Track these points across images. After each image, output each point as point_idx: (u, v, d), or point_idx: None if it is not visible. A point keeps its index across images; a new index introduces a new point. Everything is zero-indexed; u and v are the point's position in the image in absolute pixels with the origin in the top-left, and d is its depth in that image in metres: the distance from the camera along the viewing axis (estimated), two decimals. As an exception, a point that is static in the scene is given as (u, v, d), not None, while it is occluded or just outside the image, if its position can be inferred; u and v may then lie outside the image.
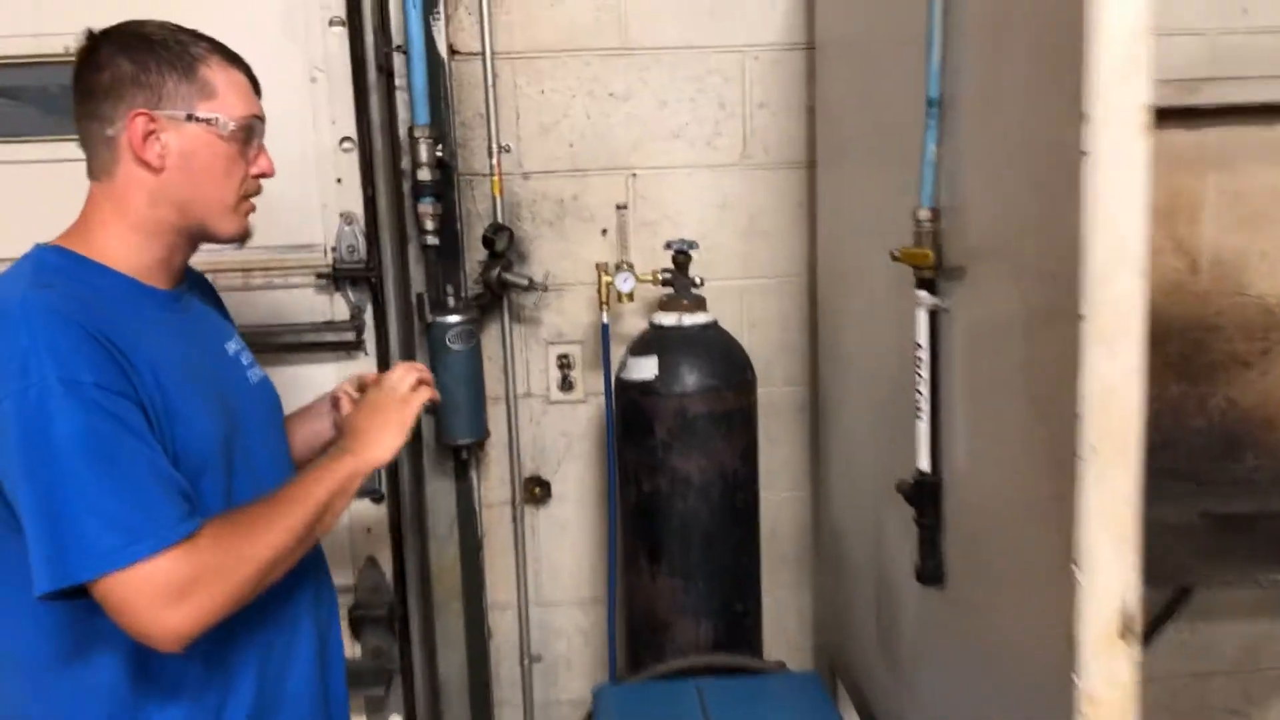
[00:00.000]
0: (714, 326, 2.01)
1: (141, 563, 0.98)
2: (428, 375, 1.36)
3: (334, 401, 1.43)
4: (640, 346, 1.98)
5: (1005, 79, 1.17)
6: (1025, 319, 1.13)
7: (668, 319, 1.98)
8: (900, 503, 1.50)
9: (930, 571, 1.44)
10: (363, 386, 1.40)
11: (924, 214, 1.38)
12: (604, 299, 2.07)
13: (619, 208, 2.06)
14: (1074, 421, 1.01)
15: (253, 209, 1.24)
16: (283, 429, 1.36)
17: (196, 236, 1.20)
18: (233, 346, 1.30)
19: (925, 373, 1.41)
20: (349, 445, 1.24)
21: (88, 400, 0.99)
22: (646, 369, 1.93)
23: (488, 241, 2.08)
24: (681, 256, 2.01)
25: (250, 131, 1.19)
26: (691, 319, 1.98)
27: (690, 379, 1.92)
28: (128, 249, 1.15)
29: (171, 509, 1.02)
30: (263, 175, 1.23)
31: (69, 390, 0.98)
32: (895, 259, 1.41)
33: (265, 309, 2.02)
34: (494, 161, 2.14)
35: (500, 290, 2.15)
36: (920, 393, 1.42)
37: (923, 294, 1.40)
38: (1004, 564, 1.24)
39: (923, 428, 1.42)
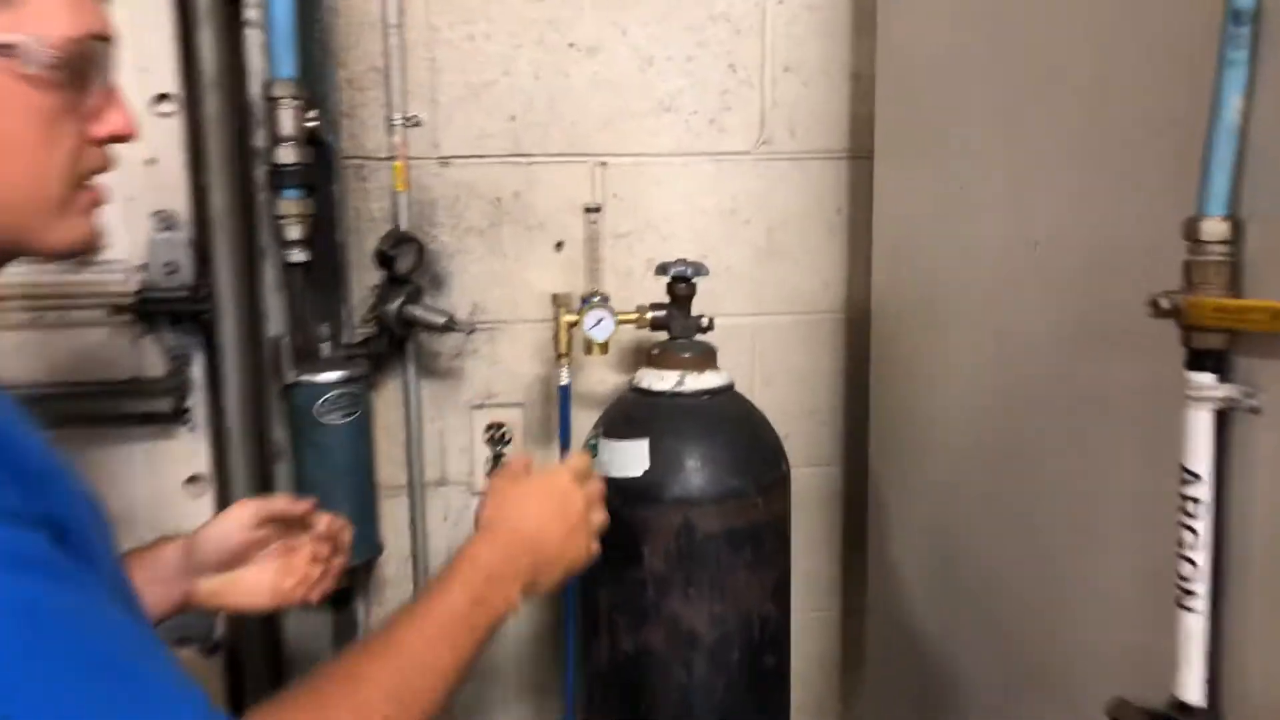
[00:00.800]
0: (730, 392, 1.33)
1: None
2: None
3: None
4: (620, 423, 1.29)
5: None
6: None
7: (662, 380, 1.30)
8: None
9: None
10: (289, 520, 0.93)
11: (1215, 229, 0.73)
12: (563, 348, 1.37)
13: (588, 211, 1.37)
14: None
15: (100, 200, 0.71)
16: None
17: (3, 250, 0.69)
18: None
19: (1203, 525, 0.75)
20: (527, 557, 0.83)
21: None
22: (631, 460, 1.24)
23: (384, 259, 1.37)
24: (682, 286, 1.33)
25: (86, 64, 0.67)
26: (698, 381, 1.30)
27: (699, 477, 1.24)
28: None
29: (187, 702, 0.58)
30: (117, 138, 0.70)
31: None
32: (1161, 312, 0.75)
33: (28, 360, 1.30)
34: (397, 139, 1.43)
35: (403, 331, 1.44)
36: (1190, 560, 0.76)
37: (1205, 380, 0.74)
38: None
39: (1194, 624, 0.77)
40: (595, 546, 0.92)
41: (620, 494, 1.24)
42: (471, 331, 1.41)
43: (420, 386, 1.52)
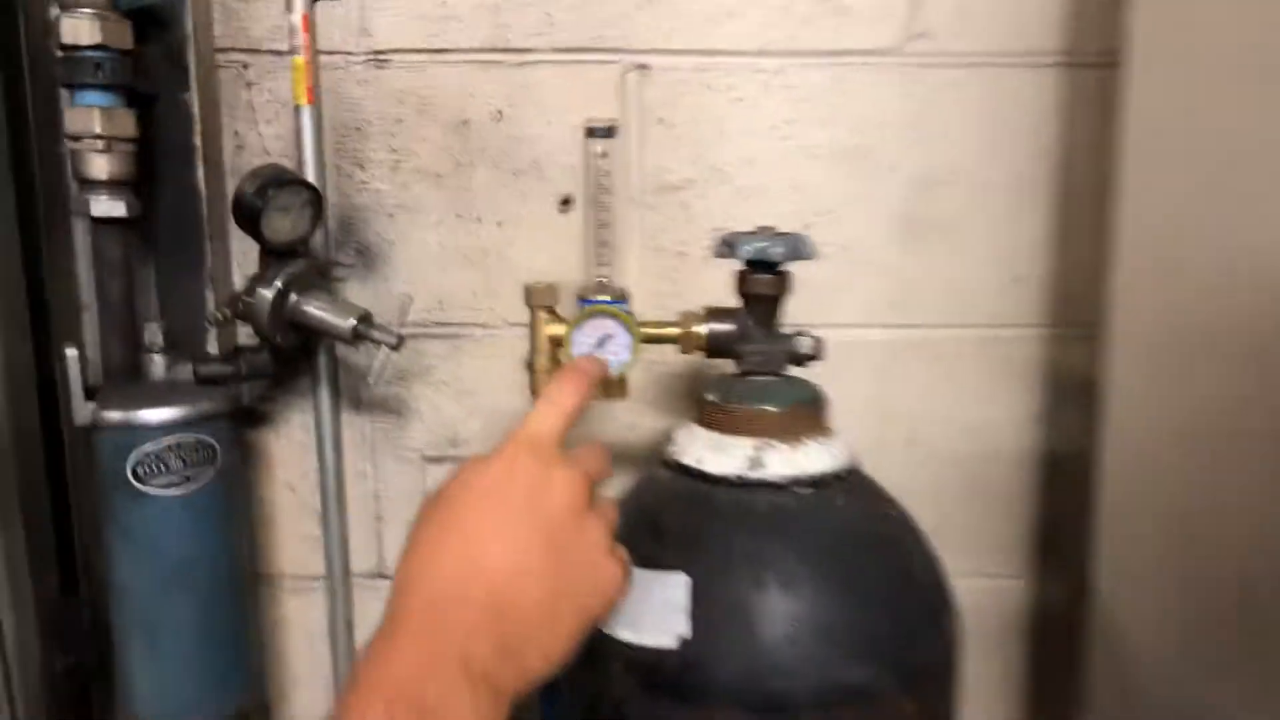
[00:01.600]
0: (851, 479, 0.71)
1: None
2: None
3: None
4: (638, 533, 0.67)
5: None
6: None
7: (723, 455, 0.68)
8: None
9: None
10: None
11: None
12: (542, 380, 0.76)
13: (591, 135, 0.75)
14: None
15: None
16: None
17: None
18: None
19: None
20: (487, 635, 0.46)
21: None
22: (655, 612, 0.64)
23: (244, 212, 0.79)
24: (765, 278, 0.71)
25: None
26: (790, 459, 0.68)
27: (788, 656, 0.62)
28: None
29: None
30: None
31: None
32: None
33: None
34: (295, 18, 0.84)
35: (287, 339, 0.85)
36: None
37: None
38: None
39: None
40: (620, 571, 0.53)
41: (633, 675, 0.64)
42: (398, 345, 0.82)
43: (342, 425, 0.95)
